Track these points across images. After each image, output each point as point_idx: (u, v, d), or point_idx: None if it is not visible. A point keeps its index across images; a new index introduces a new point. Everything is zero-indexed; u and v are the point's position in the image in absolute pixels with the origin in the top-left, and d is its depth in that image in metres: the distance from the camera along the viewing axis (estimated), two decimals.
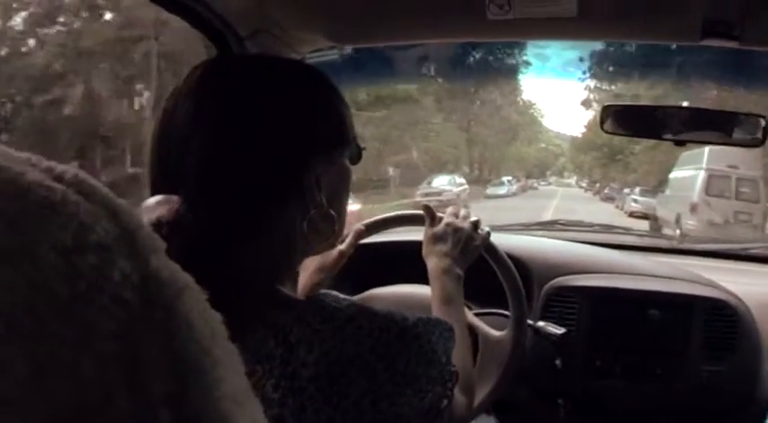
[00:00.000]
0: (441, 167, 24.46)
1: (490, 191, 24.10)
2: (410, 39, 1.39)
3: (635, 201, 17.27)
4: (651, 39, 1.42)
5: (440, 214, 1.21)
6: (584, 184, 36.26)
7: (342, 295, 0.75)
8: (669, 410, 1.54)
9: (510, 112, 32.30)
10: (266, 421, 0.30)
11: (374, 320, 0.71)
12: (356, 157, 0.81)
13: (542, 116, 39.42)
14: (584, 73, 20.20)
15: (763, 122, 1.37)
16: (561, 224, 2.24)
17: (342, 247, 1.25)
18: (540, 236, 2.07)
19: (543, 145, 41.09)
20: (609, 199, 23.27)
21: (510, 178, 27.88)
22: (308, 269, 1.09)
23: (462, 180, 21.47)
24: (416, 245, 1.18)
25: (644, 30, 1.34)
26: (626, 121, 1.47)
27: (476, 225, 1.20)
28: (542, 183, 37.34)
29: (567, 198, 25.25)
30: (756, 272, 1.95)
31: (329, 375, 0.67)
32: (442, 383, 0.75)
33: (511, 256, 1.35)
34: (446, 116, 24.54)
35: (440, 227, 1.18)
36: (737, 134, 1.42)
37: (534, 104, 26.50)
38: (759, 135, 1.37)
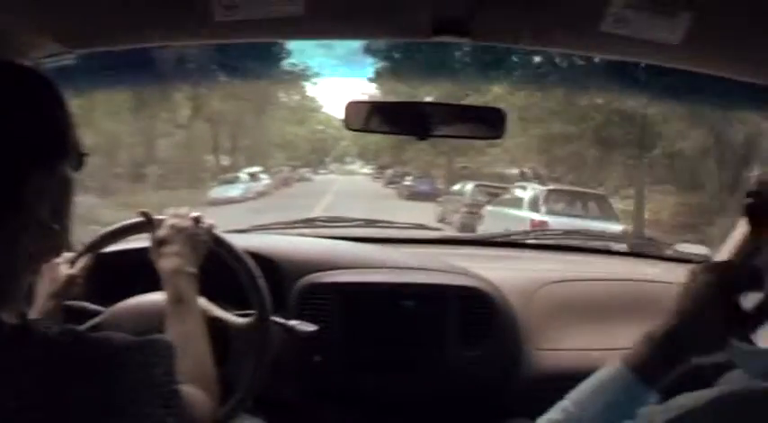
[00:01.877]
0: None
1: (216, 193, 19.21)
2: (141, 41, 1.47)
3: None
4: (384, 35, 1.66)
5: (160, 217, 1.37)
6: (369, 170, 36.46)
7: (57, 326, 0.80)
8: (434, 398, 1.81)
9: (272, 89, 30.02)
10: None
11: (87, 348, 0.78)
12: (78, 165, 0.87)
13: (315, 92, 39.12)
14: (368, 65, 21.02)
15: (501, 116, 1.67)
16: (321, 221, 2.47)
17: (72, 270, 1.36)
18: (300, 234, 2.28)
19: (321, 127, 40.61)
20: (416, 194, 22.32)
21: (256, 170, 23.94)
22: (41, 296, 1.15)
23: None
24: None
25: (376, 26, 1.55)
26: (371, 117, 1.67)
27: (197, 220, 1.38)
28: (321, 171, 37.04)
29: (343, 194, 22.90)
30: (514, 257, 2.32)
31: (40, 406, 0.72)
32: (163, 405, 0.83)
33: (259, 255, 1.54)
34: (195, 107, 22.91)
35: (163, 230, 1.34)
36: (478, 128, 1.71)
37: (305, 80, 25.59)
38: (499, 128, 1.66)
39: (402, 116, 1.67)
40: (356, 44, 19.00)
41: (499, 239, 2.49)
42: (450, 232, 8.56)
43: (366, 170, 38.00)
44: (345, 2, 1.39)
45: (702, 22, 1.33)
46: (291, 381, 1.75)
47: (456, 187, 16.81)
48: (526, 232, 2.56)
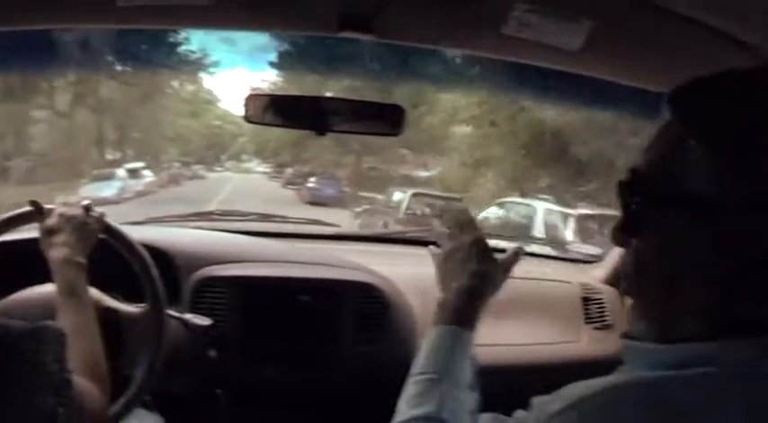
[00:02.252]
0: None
1: (87, 192, 16.08)
2: (39, 23, 1.45)
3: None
4: (290, 29, 1.70)
5: (50, 206, 1.39)
6: (266, 169, 35.21)
7: None
8: (330, 393, 1.86)
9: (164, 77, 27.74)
10: None
11: None
12: None
13: (212, 84, 36.66)
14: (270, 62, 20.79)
15: (401, 112, 1.74)
16: (218, 214, 2.50)
17: None
18: (196, 227, 2.29)
19: (218, 122, 39.02)
20: (320, 198, 20.59)
21: (137, 166, 21.52)
22: None
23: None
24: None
25: (282, 19, 1.59)
26: (270, 110, 1.71)
27: (87, 208, 1.40)
28: (217, 168, 35.85)
29: (237, 195, 21.34)
30: (410, 253, 2.39)
31: None
32: (54, 394, 0.85)
33: (153, 247, 1.56)
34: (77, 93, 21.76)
35: (52, 219, 1.36)
36: (378, 124, 1.77)
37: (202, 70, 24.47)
38: (398, 125, 1.73)
39: (302, 110, 1.73)
40: (260, 40, 18.88)
41: (396, 236, 2.57)
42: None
43: (263, 168, 36.82)
44: None
45: (602, 30, 1.42)
46: (187, 375, 1.77)
47: (381, 196, 16.24)
48: (422, 229, 2.63)
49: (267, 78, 25.55)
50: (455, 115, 18.49)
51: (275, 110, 1.72)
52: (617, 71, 1.72)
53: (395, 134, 1.72)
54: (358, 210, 15.15)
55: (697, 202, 0.68)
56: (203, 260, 1.84)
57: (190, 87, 33.31)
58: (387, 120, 1.71)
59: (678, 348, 0.70)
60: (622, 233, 0.79)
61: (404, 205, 13.08)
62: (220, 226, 2.37)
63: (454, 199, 13.75)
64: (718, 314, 0.68)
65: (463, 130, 19.28)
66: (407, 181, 20.55)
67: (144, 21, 1.52)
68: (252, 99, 1.71)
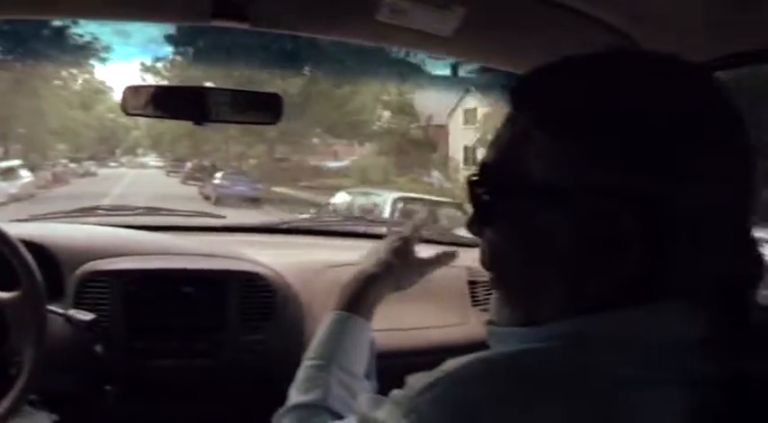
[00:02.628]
0: None
1: None
2: None
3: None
4: (163, 18, 1.71)
5: None
6: (161, 164, 33.87)
7: None
8: (219, 383, 1.87)
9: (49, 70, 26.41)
10: None
11: None
12: None
13: (105, 75, 35.00)
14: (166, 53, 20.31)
15: (278, 101, 1.78)
16: (104, 209, 2.47)
17: None
18: (81, 223, 2.27)
19: (111, 115, 36.92)
20: (231, 197, 18.93)
21: (13, 165, 19.34)
22: None
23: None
24: None
25: (155, 9, 1.59)
26: (150, 102, 1.72)
27: None
28: (112, 164, 34.82)
29: (129, 193, 20.09)
30: (297, 243, 2.45)
31: None
32: None
33: (34, 243, 1.56)
34: None
35: None
36: (256, 113, 1.82)
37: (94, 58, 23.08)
38: (277, 113, 1.78)
39: (181, 100, 1.75)
40: (154, 32, 18.57)
41: (283, 226, 2.60)
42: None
43: (160, 163, 35.33)
44: None
45: (474, 16, 1.47)
46: (74, 373, 1.76)
47: (304, 195, 16.05)
48: (309, 219, 2.70)
49: (162, 69, 24.87)
50: (379, 96, 18.32)
51: (155, 101, 1.74)
52: (489, 56, 1.80)
53: (272, 122, 1.77)
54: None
55: (540, 188, 0.70)
56: (86, 255, 1.82)
57: (80, 78, 31.93)
58: (265, 108, 1.76)
59: (539, 329, 0.72)
60: (475, 225, 0.81)
61: (385, 212, 10.16)
62: (106, 221, 2.34)
63: (448, 203, 11.58)
64: (573, 294, 0.70)
65: (387, 114, 19.19)
66: (318, 173, 20.41)
67: (53, 11, 1.55)
68: (130, 90, 1.72)
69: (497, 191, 0.75)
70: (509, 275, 0.78)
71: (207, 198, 19.45)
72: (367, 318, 1.19)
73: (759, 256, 0.71)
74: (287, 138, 22.45)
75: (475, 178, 0.78)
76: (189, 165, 28.29)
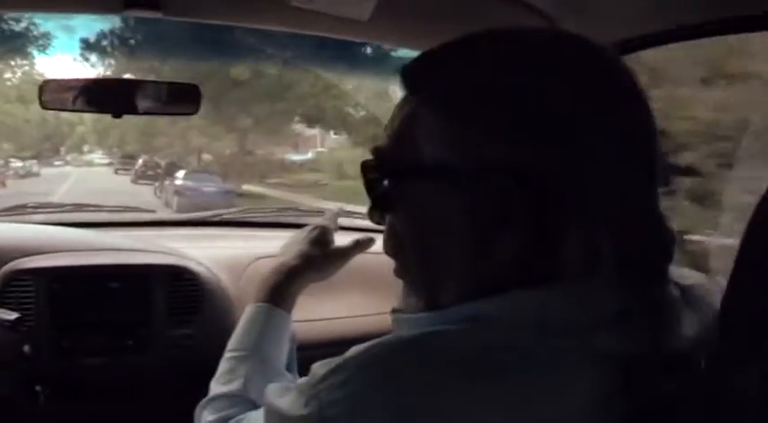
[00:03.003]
0: None
1: None
2: None
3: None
4: (75, 9, 1.71)
5: None
6: (107, 161, 32.68)
7: None
8: (148, 379, 1.87)
9: None
10: None
11: None
12: None
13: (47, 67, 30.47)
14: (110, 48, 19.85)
15: (197, 92, 1.80)
16: (31, 207, 2.45)
17: None
18: (8, 221, 2.25)
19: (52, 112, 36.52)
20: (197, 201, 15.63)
21: None
22: None
23: None
24: None
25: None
26: (67, 95, 1.73)
27: None
28: (57, 163, 33.40)
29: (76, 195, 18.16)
30: (227, 235, 2.46)
31: None
32: None
33: None
34: None
35: None
36: (175, 105, 1.84)
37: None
38: (194, 104, 1.80)
39: (99, 93, 1.76)
40: (99, 26, 18.25)
41: (213, 219, 2.60)
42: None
43: (107, 160, 34.10)
44: None
45: (389, 0, 1.50)
46: (3, 373, 1.75)
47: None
48: (239, 211, 2.70)
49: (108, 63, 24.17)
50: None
51: (73, 94, 1.74)
52: (408, 40, 1.82)
53: (191, 113, 1.81)
54: None
55: (432, 170, 0.71)
56: (9, 254, 1.81)
57: (18, 70, 29.92)
58: (184, 99, 1.78)
59: (441, 313, 0.73)
60: (375, 212, 0.81)
61: None
62: (32, 219, 2.33)
63: None
64: (474, 277, 0.71)
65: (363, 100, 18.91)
66: (281, 167, 19.82)
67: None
68: (48, 84, 1.74)
69: (392, 175, 0.76)
70: (411, 262, 0.78)
71: (167, 205, 16.80)
72: (287, 310, 1.21)
73: (664, 233, 0.72)
74: (262, 127, 21.44)
75: (370, 163, 0.78)
76: (140, 161, 26.58)
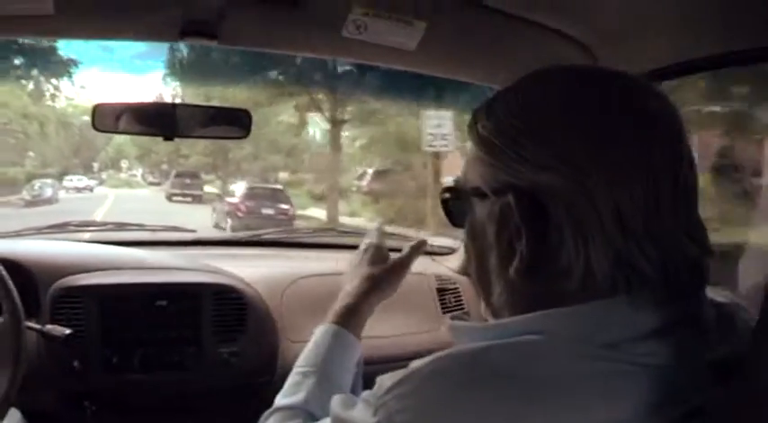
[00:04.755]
0: None
1: None
2: None
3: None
4: (133, 36, 1.79)
5: None
6: (154, 180, 29.06)
7: None
8: (195, 395, 1.94)
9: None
10: None
11: None
12: None
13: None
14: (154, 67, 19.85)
15: (248, 117, 1.88)
16: (74, 225, 2.53)
17: None
18: (53, 239, 2.34)
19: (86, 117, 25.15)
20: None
21: None
22: None
23: None
24: None
25: (124, 27, 1.66)
26: (120, 119, 1.81)
27: None
28: (83, 184, 26.42)
29: None
30: (267, 255, 2.52)
31: None
32: None
33: (8, 260, 1.63)
34: None
35: None
36: (227, 128, 1.91)
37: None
38: (245, 128, 1.88)
39: (151, 117, 1.84)
40: (140, 48, 18.52)
41: (252, 239, 2.67)
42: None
43: (153, 179, 29.69)
44: (94, 2, 1.50)
45: (436, 30, 1.57)
46: (52, 389, 1.81)
47: None
48: (278, 231, 2.77)
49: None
50: None
51: (125, 118, 1.82)
52: (452, 69, 1.90)
53: (242, 137, 1.88)
54: None
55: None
56: (61, 271, 1.88)
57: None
58: (235, 123, 1.86)
59: (497, 324, 0.81)
60: (453, 224, 0.93)
61: None
62: (77, 237, 2.42)
63: None
64: (511, 290, 0.81)
65: None
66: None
67: None
68: (100, 108, 1.81)
69: (454, 196, 0.90)
70: (474, 273, 0.89)
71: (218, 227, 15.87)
72: (356, 333, 1.26)
73: (696, 251, 0.77)
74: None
75: (447, 185, 0.92)
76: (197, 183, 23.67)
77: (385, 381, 0.76)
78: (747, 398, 0.71)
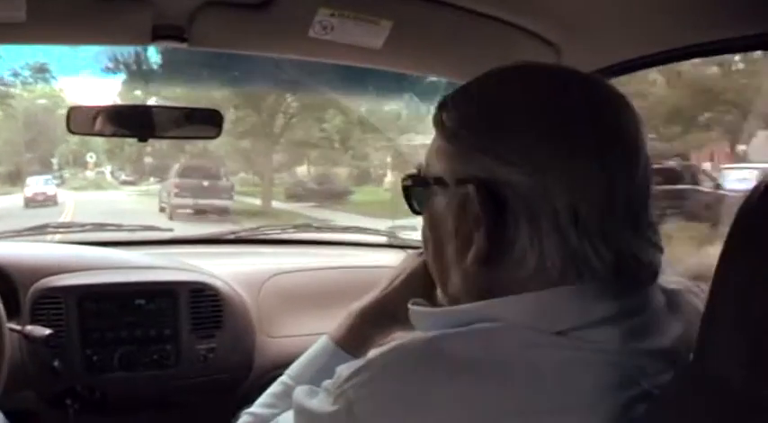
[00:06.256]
0: None
1: None
2: None
3: None
4: (105, 40, 1.83)
5: None
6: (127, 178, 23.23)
7: None
8: (175, 391, 1.99)
9: None
10: None
11: None
12: None
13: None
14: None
15: (219, 117, 1.93)
16: (53, 227, 2.57)
17: None
18: (32, 241, 2.38)
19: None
20: None
21: None
22: None
23: None
24: None
25: (95, 31, 1.68)
26: (93, 121, 1.84)
27: None
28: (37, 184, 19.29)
29: None
30: (243, 252, 2.59)
31: None
32: None
33: None
34: None
35: None
36: (199, 128, 1.96)
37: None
38: (216, 128, 1.93)
39: (125, 119, 1.88)
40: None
41: (229, 237, 2.73)
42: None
43: (125, 177, 24.58)
44: (65, 7, 1.51)
45: (401, 29, 1.62)
46: (33, 387, 1.86)
47: None
48: (254, 229, 2.82)
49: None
50: None
51: (100, 120, 1.86)
52: (419, 66, 1.96)
53: (214, 137, 1.94)
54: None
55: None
56: (40, 272, 1.92)
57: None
58: (206, 123, 1.91)
59: (454, 310, 0.84)
60: (413, 211, 0.95)
61: None
62: (53, 239, 2.47)
63: None
64: (481, 278, 0.82)
65: None
66: None
67: None
68: (74, 111, 1.85)
69: (418, 184, 0.92)
70: (433, 260, 0.92)
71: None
72: (354, 355, 1.14)
73: (648, 242, 0.81)
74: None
75: (408, 174, 0.94)
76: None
77: (343, 370, 0.79)
78: (693, 382, 0.74)
